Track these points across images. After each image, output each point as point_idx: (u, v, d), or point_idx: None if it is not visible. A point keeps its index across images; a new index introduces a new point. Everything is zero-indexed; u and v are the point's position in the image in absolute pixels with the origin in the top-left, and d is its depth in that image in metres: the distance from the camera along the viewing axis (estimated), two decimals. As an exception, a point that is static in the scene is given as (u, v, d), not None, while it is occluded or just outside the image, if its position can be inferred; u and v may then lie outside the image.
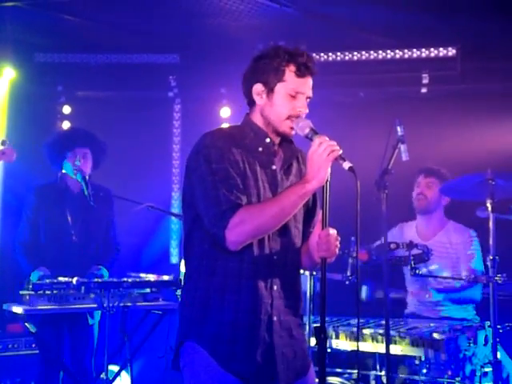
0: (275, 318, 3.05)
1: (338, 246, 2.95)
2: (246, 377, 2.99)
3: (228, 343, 2.98)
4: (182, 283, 3.20)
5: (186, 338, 3.05)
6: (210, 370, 2.97)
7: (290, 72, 3.07)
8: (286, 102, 3.07)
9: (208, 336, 3.00)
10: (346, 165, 2.90)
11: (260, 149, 3.10)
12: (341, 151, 2.91)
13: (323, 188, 2.93)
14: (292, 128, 3.07)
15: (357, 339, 3.18)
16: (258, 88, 3.10)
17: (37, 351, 5.38)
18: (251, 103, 3.17)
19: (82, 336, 5.28)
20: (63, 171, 5.45)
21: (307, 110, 3.10)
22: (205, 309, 3.02)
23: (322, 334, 2.86)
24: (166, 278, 5.15)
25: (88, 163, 5.44)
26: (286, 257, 3.10)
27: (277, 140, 3.15)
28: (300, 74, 3.07)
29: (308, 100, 3.12)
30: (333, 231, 2.93)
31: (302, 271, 3.30)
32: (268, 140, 3.12)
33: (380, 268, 4.45)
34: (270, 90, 3.08)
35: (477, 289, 5.34)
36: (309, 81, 3.11)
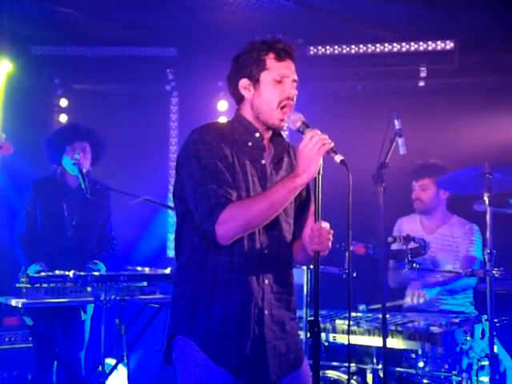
0: (266, 312, 3.06)
1: (331, 239, 2.94)
2: (236, 370, 3.00)
3: (217, 337, 2.99)
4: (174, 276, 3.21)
5: (177, 332, 3.07)
6: (199, 363, 2.98)
7: (270, 59, 3.09)
8: (274, 88, 3.08)
9: (198, 330, 3.01)
10: (338, 158, 2.89)
11: (249, 143, 3.11)
12: (332, 144, 2.90)
13: (315, 181, 2.92)
14: (282, 120, 3.08)
15: (348, 332, 3.16)
16: (243, 83, 3.12)
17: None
18: (239, 100, 3.18)
19: (73, 330, 5.29)
20: (62, 167, 5.44)
21: (296, 92, 3.11)
22: (195, 302, 3.03)
23: (315, 328, 2.87)
24: (162, 271, 5.15)
25: (87, 157, 5.44)
26: (278, 251, 3.11)
27: (267, 135, 3.16)
28: (280, 58, 3.09)
29: (295, 83, 3.12)
30: (325, 224, 2.93)
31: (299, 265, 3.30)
32: (258, 135, 3.12)
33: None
34: (255, 82, 3.10)
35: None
36: (290, 64, 3.13)
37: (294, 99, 3.10)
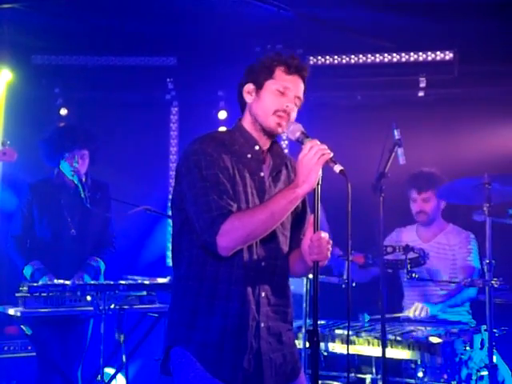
0: (262, 325, 3.05)
1: (330, 249, 2.94)
2: (233, 383, 2.98)
3: (215, 349, 2.99)
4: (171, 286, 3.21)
5: (174, 343, 3.06)
6: (197, 374, 2.97)
7: (279, 70, 3.10)
8: (274, 97, 3.08)
9: (196, 342, 3.00)
10: (337, 168, 2.89)
11: (249, 155, 3.11)
12: (331, 154, 2.90)
13: (314, 191, 2.92)
14: (279, 124, 3.07)
15: (347, 342, 3.16)
16: (248, 87, 3.14)
17: (32, 353, 5.37)
18: (243, 107, 3.19)
19: (73, 339, 5.28)
20: (60, 169, 5.44)
21: (294, 108, 3.10)
22: (193, 314, 3.03)
23: (314, 337, 2.87)
24: (162, 280, 5.15)
25: (85, 163, 5.44)
26: (275, 264, 3.11)
27: (266, 146, 3.16)
28: (289, 72, 3.10)
29: (298, 101, 3.12)
30: (324, 234, 2.93)
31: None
32: (257, 147, 3.12)
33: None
34: (259, 87, 3.11)
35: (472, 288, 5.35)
36: (298, 81, 3.12)
37: (292, 115, 3.09)
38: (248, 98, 3.14)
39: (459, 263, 5.49)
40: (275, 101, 3.08)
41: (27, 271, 5.21)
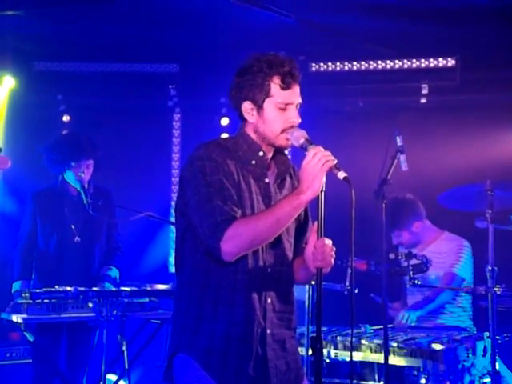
0: (268, 331, 3.05)
1: (334, 256, 2.93)
2: None
3: (220, 356, 2.98)
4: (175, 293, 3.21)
5: (179, 350, 3.05)
6: (201, 382, 2.96)
7: (275, 85, 3.03)
8: (277, 115, 3.04)
9: (200, 348, 2.99)
10: (341, 175, 2.89)
11: (253, 162, 3.09)
12: (335, 161, 2.90)
13: (318, 198, 2.91)
14: (288, 139, 3.06)
15: (350, 349, 3.15)
16: (246, 106, 3.08)
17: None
18: (243, 118, 3.15)
19: (80, 346, 5.28)
20: (64, 177, 5.44)
21: (299, 120, 3.07)
22: (197, 320, 3.02)
23: (318, 344, 2.86)
24: (164, 287, 5.15)
25: (90, 172, 5.45)
26: (281, 270, 3.10)
27: (270, 153, 3.14)
28: (286, 86, 3.03)
29: (299, 105, 3.09)
30: (328, 241, 2.92)
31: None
32: (261, 153, 3.10)
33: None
34: (259, 107, 3.05)
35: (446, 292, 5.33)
36: (295, 88, 3.07)
37: (297, 127, 3.06)
38: (250, 118, 3.09)
39: (444, 270, 5.44)
40: (280, 119, 3.04)
41: (15, 286, 5.22)
